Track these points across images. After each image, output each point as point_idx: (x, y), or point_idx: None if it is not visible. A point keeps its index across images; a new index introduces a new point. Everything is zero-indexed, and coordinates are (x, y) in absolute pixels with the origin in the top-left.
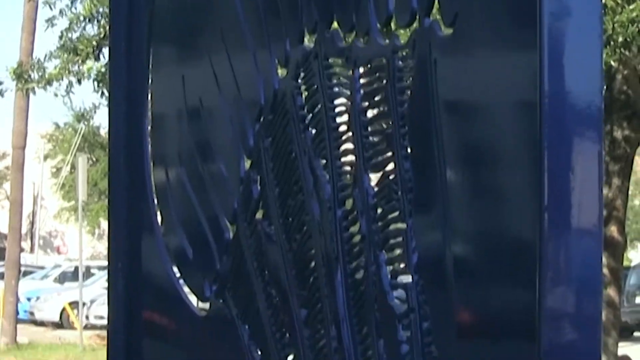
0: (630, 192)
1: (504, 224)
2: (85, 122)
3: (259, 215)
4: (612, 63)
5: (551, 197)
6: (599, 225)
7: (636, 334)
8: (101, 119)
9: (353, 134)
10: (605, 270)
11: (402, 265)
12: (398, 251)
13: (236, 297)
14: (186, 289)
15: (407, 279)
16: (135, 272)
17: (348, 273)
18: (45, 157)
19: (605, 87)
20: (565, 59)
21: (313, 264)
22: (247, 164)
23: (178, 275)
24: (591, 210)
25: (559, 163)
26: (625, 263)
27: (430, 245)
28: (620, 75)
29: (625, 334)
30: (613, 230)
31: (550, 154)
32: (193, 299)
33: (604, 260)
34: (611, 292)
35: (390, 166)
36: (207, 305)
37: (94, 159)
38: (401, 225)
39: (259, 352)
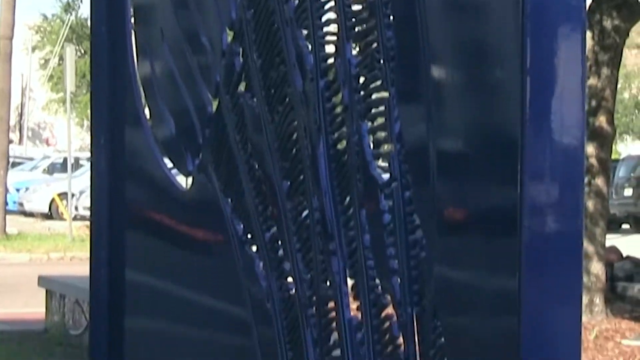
0: (620, 85)
1: (487, 108)
2: (73, 13)
3: (241, 87)
4: None
5: (533, 89)
6: (582, 115)
7: (624, 226)
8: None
9: (335, 2)
10: (593, 161)
11: (384, 135)
12: (380, 120)
13: (218, 171)
14: (169, 165)
15: (389, 148)
16: (118, 148)
17: (330, 144)
18: (33, 49)
19: None
20: None
21: (295, 135)
22: (230, 36)
23: (160, 150)
24: (574, 101)
25: (542, 54)
26: (614, 156)
27: (412, 115)
28: None
29: (614, 226)
30: (602, 120)
31: (532, 45)
32: (176, 175)
33: (593, 150)
34: (599, 182)
35: (373, 35)
36: (189, 181)
37: (82, 51)
38: (383, 94)
39: (242, 226)
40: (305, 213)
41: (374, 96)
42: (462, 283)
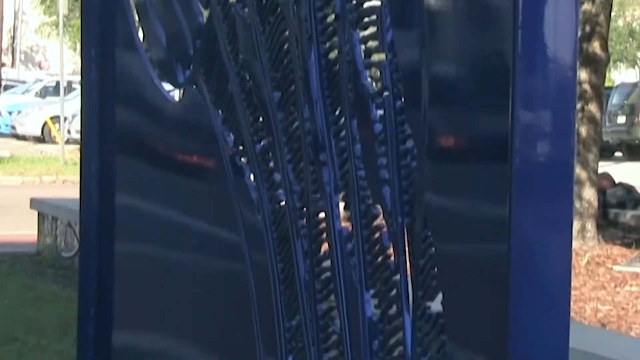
0: (614, 13)
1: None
2: None
3: None
4: None
5: (526, 11)
6: (575, 40)
7: (617, 154)
8: None
9: None
10: (586, 87)
11: (376, 44)
12: (372, 29)
13: (209, 83)
14: (159, 77)
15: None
16: (109, 69)
17: (322, 54)
18: None
19: None
20: None
21: (286, 46)
22: None
23: (152, 66)
24: (567, 26)
25: None
26: (608, 84)
27: (404, 24)
28: None
29: (607, 153)
30: (595, 46)
31: None
32: (167, 88)
33: (586, 76)
34: (592, 108)
35: None
36: (180, 93)
37: None
38: (376, 3)
39: (232, 137)
40: (296, 124)
41: (365, 4)
42: (452, 208)
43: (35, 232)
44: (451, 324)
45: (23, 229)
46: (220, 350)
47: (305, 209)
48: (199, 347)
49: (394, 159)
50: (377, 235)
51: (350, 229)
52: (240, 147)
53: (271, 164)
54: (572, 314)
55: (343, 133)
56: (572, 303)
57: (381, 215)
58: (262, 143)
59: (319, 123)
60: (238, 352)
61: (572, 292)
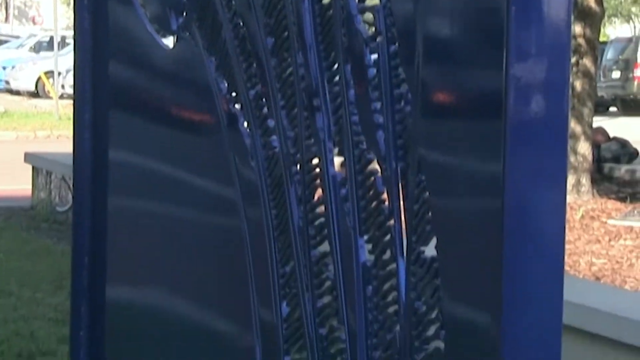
0: None
1: None
2: None
3: None
4: None
5: None
6: None
7: (612, 109)
8: None
9: None
10: (581, 40)
11: None
12: None
13: (202, 29)
14: (152, 26)
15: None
16: (101, 10)
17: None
18: None
19: None
20: None
21: None
22: None
23: (146, 15)
24: None
25: None
26: (602, 39)
27: None
28: None
29: (601, 108)
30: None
31: None
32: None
33: (581, 30)
34: (587, 62)
35: None
36: (173, 40)
37: None
38: None
39: (226, 84)
40: (289, 70)
41: None
42: (446, 158)
43: (30, 186)
44: (445, 269)
45: (17, 184)
46: (214, 301)
47: (299, 154)
48: (193, 299)
49: (387, 104)
50: (371, 180)
51: (344, 174)
52: (234, 94)
53: (265, 110)
54: (566, 267)
55: (337, 78)
56: (566, 257)
57: (375, 160)
58: (255, 89)
59: (312, 68)
60: (232, 301)
61: (567, 246)
